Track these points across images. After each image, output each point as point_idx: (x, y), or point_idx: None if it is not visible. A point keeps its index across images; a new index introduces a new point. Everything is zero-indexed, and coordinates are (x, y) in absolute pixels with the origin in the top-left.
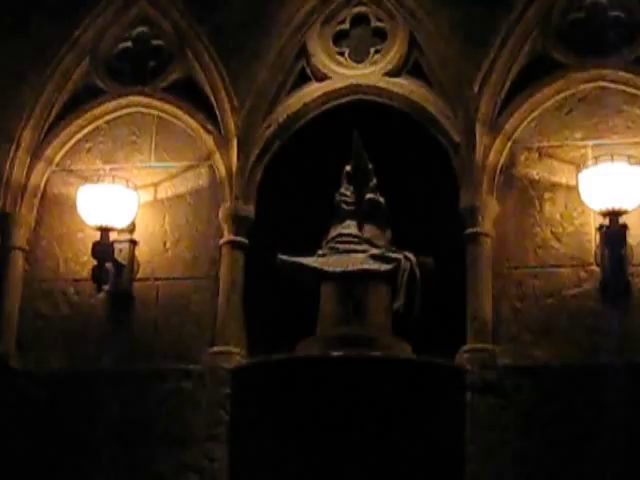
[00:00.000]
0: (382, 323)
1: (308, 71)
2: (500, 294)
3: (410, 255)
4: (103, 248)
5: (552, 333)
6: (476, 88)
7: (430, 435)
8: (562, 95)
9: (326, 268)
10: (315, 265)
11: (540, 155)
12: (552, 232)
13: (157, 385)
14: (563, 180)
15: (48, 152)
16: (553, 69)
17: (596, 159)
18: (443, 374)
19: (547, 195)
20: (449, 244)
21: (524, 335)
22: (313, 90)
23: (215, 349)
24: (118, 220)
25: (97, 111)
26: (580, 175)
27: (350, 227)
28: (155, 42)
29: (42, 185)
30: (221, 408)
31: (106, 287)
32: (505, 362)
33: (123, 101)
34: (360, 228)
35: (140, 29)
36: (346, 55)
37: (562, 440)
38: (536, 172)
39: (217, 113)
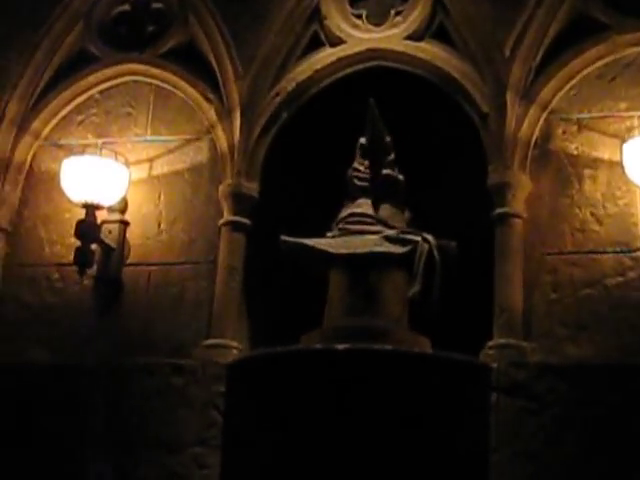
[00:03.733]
0: (397, 314)
1: (321, 35)
2: (532, 283)
3: (429, 237)
4: (88, 227)
5: (591, 328)
6: (507, 52)
7: (450, 441)
8: (605, 60)
9: (333, 250)
10: (321, 247)
11: (580, 127)
12: (592, 213)
13: (144, 381)
14: (605, 155)
15: (35, 125)
16: (595, 31)
17: None
18: (465, 372)
19: (587, 172)
20: (476, 226)
21: (559, 330)
22: (326, 56)
23: (210, 342)
24: (106, 197)
25: (90, 80)
26: (625, 147)
27: (363, 206)
28: (155, 5)
29: (28, 161)
30: (214, 408)
31: (90, 271)
32: (537, 360)
33: (118, 69)
34: (375, 207)
35: None
36: (364, 17)
37: (601, 449)
38: (575, 146)
39: (219, 81)
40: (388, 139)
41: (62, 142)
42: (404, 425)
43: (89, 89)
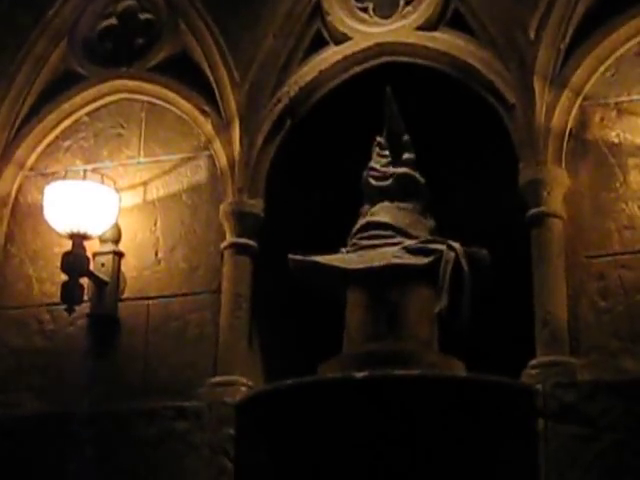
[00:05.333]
0: (425, 334)
1: (325, 33)
2: (577, 290)
3: (455, 244)
4: (75, 259)
5: None
6: (532, 34)
7: (492, 476)
8: None
9: (347, 266)
10: (334, 263)
11: (619, 112)
12: None
13: (145, 428)
14: None
15: (19, 153)
16: (629, 4)
17: None
18: (506, 396)
19: (631, 161)
20: (508, 230)
21: (611, 342)
22: (331, 55)
23: (217, 379)
24: (93, 225)
25: (76, 101)
26: None
27: (380, 214)
28: (144, 16)
29: (13, 193)
30: (223, 454)
31: (83, 309)
32: (588, 378)
33: (106, 87)
34: (394, 212)
35: (126, 3)
36: (370, 10)
37: None
38: (615, 134)
39: (215, 91)
40: (407, 136)
41: (49, 171)
42: (439, 461)
43: (75, 111)
